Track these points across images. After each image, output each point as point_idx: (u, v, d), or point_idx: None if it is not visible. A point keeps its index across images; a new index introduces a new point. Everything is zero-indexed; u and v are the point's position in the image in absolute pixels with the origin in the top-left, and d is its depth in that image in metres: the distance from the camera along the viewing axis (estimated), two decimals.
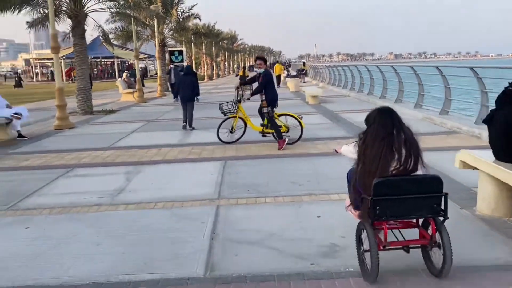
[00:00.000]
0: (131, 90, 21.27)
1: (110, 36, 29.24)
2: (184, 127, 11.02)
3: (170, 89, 22.14)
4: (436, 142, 7.95)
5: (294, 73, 34.48)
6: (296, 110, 14.46)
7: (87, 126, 12.53)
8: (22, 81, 43.16)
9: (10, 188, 6.13)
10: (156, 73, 31.90)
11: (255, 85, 8.57)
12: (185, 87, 10.99)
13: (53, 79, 53.80)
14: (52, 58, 51.46)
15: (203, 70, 51.59)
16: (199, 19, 30.86)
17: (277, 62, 44.19)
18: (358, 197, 3.28)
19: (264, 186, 5.67)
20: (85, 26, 15.64)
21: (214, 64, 54.90)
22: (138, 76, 20.75)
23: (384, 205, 3.03)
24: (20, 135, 10.46)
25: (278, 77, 30.79)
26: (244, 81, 9.22)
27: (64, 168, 7.19)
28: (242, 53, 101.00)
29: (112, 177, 6.55)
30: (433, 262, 3.22)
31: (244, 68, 32.46)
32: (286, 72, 38.04)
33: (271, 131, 8.39)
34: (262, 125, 8.57)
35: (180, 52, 26.45)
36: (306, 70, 34.78)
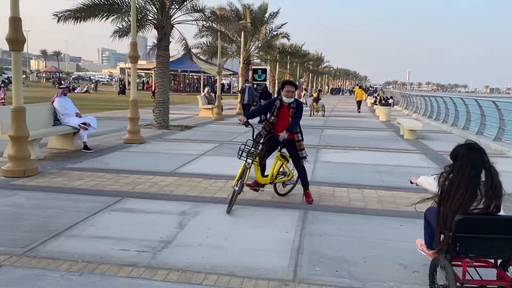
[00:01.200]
0: (210, 106, 20.55)
1: (197, 50, 29.57)
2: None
3: (242, 109, 19.82)
4: None
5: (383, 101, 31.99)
6: (390, 146, 12.67)
7: (158, 143, 11.64)
8: (126, 89, 45.03)
9: (42, 220, 5.06)
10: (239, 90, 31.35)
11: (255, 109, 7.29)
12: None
13: (143, 89, 56.89)
14: (147, 69, 54.19)
15: None
16: (288, 38, 29.86)
17: (357, 85, 41.79)
18: (437, 234, 3.22)
19: (360, 267, 3.98)
20: (170, 38, 15.11)
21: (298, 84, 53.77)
22: (219, 92, 19.98)
23: (465, 242, 2.99)
24: (86, 147, 9.76)
25: (359, 102, 28.60)
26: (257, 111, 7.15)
27: (114, 197, 6.06)
28: (326, 75, 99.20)
29: (164, 217, 5.25)
30: None
31: (320, 90, 30.67)
32: (372, 98, 35.66)
33: (283, 179, 6.28)
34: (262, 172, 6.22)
35: (264, 71, 25.48)
36: (386, 97, 31.84)
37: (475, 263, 3.25)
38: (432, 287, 3.26)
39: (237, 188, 5.58)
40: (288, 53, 37.89)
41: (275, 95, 36.62)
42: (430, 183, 3.46)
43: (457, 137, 15.03)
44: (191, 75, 65.20)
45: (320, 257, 4.18)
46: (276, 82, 40.42)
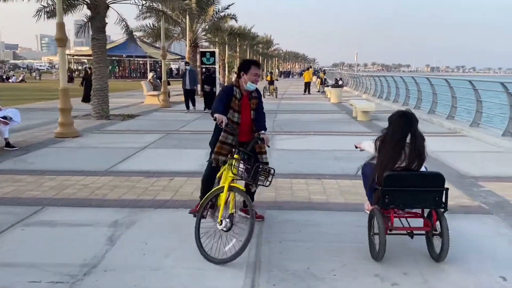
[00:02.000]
0: (156, 92, 19.34)
1: (140, 33, 27.88)
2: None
3: (185, 96, 16.62)
4: None
5: (332, 82, 31.93)
6: (344, 129, 12.22)
7: (95, 135, 10.47)
8: (73, 77, 41.84)
9: None
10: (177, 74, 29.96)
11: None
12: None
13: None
14: (88, 55, 51.06)
15: None
16: (236, 20, 28.75)
17: (309, 67, 41.84)
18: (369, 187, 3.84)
19: (329, 282, 3.31)
20: (106, 19, 13.70)
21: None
22: (164, 77, 18.76)
23: (392, 195, 3.47)
24: (8, 144, 8.48)
25: (307, 84, 28.99)
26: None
27: (32, 206, 5.03)
28: (276, 58, 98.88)
29: (91, 231, 4.33)
30: (434, 248, 3.60)
31: (271, 73, 30.29)
32: (317, 79, 35.53)
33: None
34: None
35: (213, 54, 24.17)
36: (336, 79, 31.89)
37: (406, 215, 3.76)
38: (370, 236, 3.73)
39: (225, 227, 3.69)
40: (237, 35, 36.75)
41: (224, 80, 35.57)
42: (370, 145, 3.92)
43: None
44: (137, 60, 62.46)
45: (282, 272, 3.47)
46: (226, 65, 39.33)
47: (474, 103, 11.62)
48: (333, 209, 5.06)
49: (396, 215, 3.65)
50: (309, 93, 28.58)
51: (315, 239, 4.13)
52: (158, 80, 20.61)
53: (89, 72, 20.04)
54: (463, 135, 10.74)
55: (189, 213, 4.54)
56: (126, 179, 6.32)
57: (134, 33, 27.27)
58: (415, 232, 3.66)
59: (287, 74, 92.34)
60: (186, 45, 24.93)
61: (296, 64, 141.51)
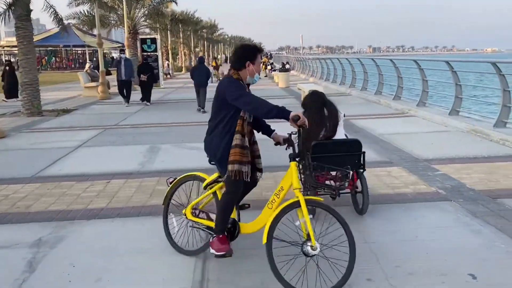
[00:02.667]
0: (94, 84, 18.12)
1: (74, 21, 26.09)
2: (199, 110, 12.32)
3: (120, 88, 14.50)
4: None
5: (279, 66, 31.70)
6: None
7: (23, 135, 9.46)
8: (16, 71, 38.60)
9: None
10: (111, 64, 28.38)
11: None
12: (200, 74, 12.53)
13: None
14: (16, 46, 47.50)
15: (181, 60, 48.10)
16: (176, 3, 27.57)
17: None
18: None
19: None
20: (30, 5, 12.42)
21: (193, 55, 51.36)
22: (102, 67, 17.57)
23: (319, 160, 3.89)
24: None
25: None
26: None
27: None
28: (222, 44, 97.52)
29: (7, 255, 3.66)
30: (357, 204, 4.31)
31: (215, 58, 29.75)
32: (269, 66, 35.25)
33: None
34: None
35: (154, 41, 23.21)
36: (283, 63, 31.63)
37: (335, 178, 4.13)
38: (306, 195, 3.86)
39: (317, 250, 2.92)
40: (180, 21, 35.46)
41: (169, 68, 34.20)
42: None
43: (357, 99, 14.88)
44: (75, 50, 59.10)
45: None
46: (170, 52, 38.01)
47: (419, 83, 11.70)
48: None
49: (328, 177, 4.11)
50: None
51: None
52: (96, 71, 19.34)
53: (12, 64, 18.44)
54: (410, 115, 10.76)
55: (217, 256, 3.16)
56: (56, 185, 5.59)
57: (68, 21, 25.61)
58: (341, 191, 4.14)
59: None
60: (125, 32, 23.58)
61: None
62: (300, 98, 14.56)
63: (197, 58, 17.24)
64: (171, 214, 3.74)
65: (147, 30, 32.15)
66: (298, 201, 2.95)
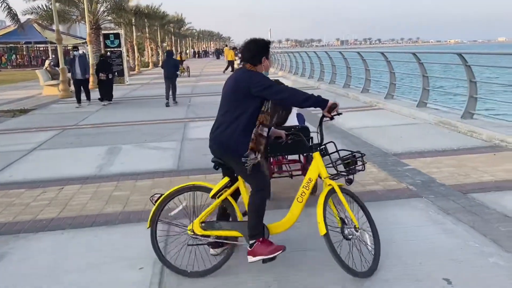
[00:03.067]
0: (54, 82, 17.32)
1: (33, 16, 24.95)
2: (167, 104, 12.36)
3: (75, 88, 13.43)
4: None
5: None
6: None
7: None
8: None
9: None
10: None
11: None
12: (168, 66, 12.92)
13: None
14: None
15: (148, 56, 47.00)
16: None
17: (226, 46, 40.49)
18: None
19: None
20: None
21: (160, 50, 50.26)
22: (62, 64, 16.79)
23: (272, 146, 4.23)
24: None
25: (231, 62, 27.76)
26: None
27: None
28: (190, 38, 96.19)
29: None
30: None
31: (181, 53, 29.25)
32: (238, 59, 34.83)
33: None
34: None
35: (117, 36, 22.45)
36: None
37: (289, 162, 4.91)
38: None
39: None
40: (145, 15, 34.51)
41: (134, 63, 33.19)
42: None
43: (326, 92, 14.74)
44: (36, 47, 56.85)
45: None
46: (136, 47, 37.00)
47: (386, 75, 11.66)
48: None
49: (284, 161, 4.81)
50: (232, 71, 27.66)
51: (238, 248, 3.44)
52: (56, 68, 18.49)
53: None
54: (379, 108, 10.69)
55: (269, 260, 3.02)
56: (3, 194, 5.14)
57: (26, 16, 24.47)
58: (294, 173, 4.72)
59: (205, 53, 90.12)
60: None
61: (212, 43, 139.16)
62: None
63: (164, 53, 17.60)
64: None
65: (112, 25, 31.20)
66: (333, 188, 3.07)
